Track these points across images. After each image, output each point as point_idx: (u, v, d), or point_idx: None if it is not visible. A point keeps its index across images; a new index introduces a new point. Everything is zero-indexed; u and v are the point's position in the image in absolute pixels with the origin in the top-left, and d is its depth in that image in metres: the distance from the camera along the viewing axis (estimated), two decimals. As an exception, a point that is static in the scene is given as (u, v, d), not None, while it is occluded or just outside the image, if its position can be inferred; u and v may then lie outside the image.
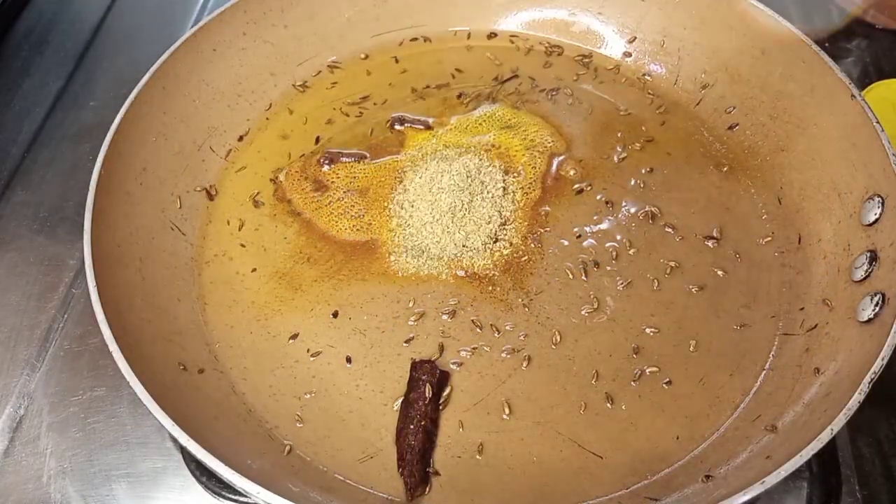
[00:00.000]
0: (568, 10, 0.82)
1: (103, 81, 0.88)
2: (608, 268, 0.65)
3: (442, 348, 0.61)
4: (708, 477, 0.53)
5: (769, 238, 0.67)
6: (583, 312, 0.63)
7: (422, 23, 0.82)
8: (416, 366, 0.59)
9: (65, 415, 0.63)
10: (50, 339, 0.68)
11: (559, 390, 0.59)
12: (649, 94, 0.78)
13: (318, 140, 0.75)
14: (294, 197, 0.71)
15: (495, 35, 0.83)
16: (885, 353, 0.50)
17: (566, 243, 0.67)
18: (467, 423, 0.58)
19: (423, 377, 0.58)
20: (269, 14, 0.76)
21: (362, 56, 0.81)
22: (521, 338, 0.62)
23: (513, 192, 0.70)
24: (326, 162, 0.72)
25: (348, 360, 0.61)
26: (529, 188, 0.70)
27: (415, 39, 0.82)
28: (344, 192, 0.70)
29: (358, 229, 0.68)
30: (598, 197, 0.70)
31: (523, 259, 0.66)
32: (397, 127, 0.75)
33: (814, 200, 0.66)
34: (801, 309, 0.62)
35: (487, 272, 0.65)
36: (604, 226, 0.68)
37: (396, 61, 0.81)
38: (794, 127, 0.69)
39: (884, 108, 0.77)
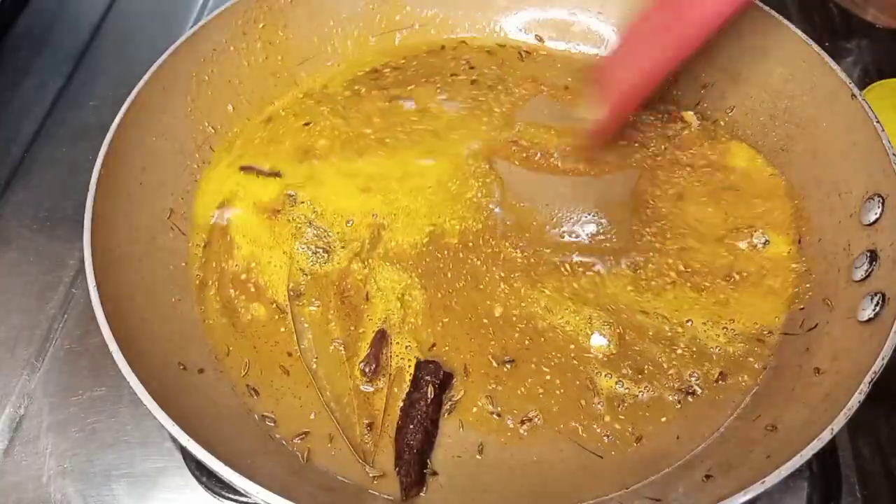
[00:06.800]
0: (568, 10, 0.82)
1: (103, 81, 0.88)
2: (608, 268, 0.65)
3: (442, 348, 0.61)
4: (708, 477, 0.53)
5: (769, 238, 0.67)
6: (583, 312, 0.63)
7: (422, 22, 0.82)
8: (420, 365, 0.59)
9: (65, 415, 0.63)
10: (50, 339, 0.68)
11: (559, 390, 0.59)
12: (649, 93, 0.78)
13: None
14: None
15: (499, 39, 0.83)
16: (885, 352, 0.50)
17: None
18: (467, 423, 0.58)
19: (427, 377, 0.58)
20: (269, 14, 0.76)
21: (363, 56, 0.81)
22: (522, 338, 0.62)
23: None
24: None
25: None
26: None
27: (415, 39, 0.82)
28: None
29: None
30: (599, 197, 0.70)
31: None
32: None
33: (814, 200, 0.66)
34: (802, 309, 0.62)
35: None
36: (604, 226, 0.68)
37: (397, 61, 0.81)
38: (794, 127, 0.69)
39: (884, 108, 0.76)
